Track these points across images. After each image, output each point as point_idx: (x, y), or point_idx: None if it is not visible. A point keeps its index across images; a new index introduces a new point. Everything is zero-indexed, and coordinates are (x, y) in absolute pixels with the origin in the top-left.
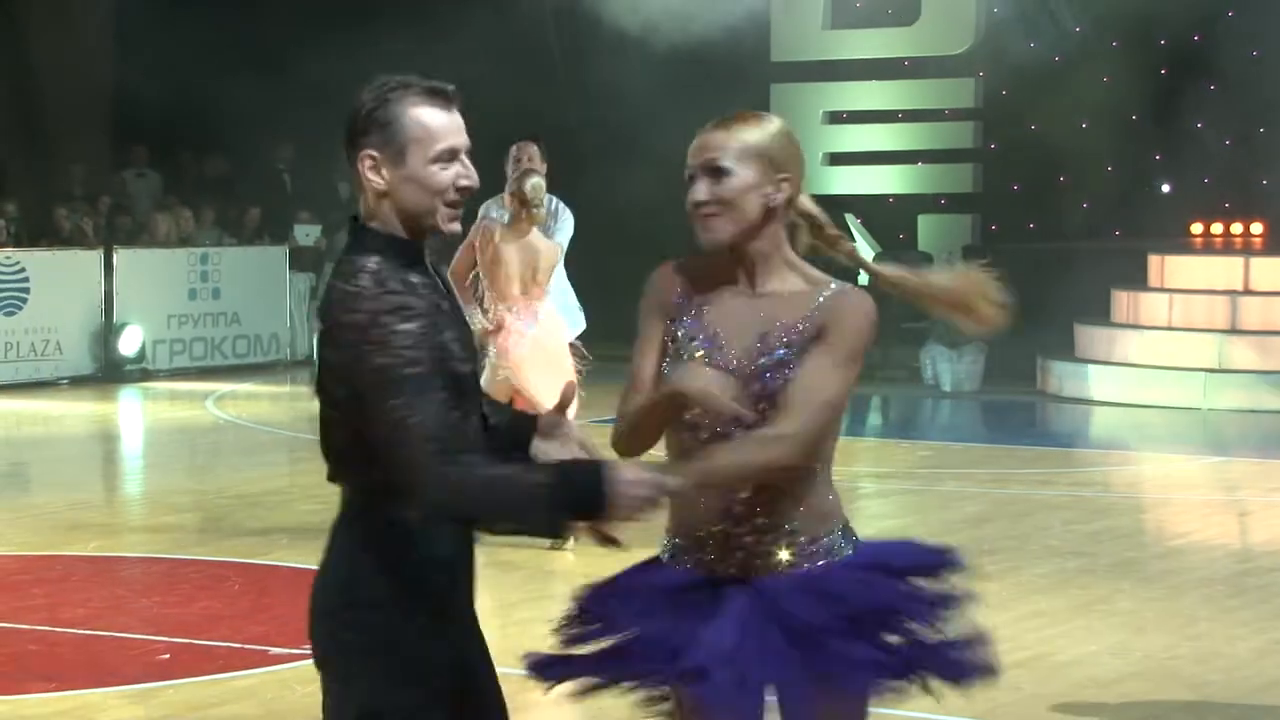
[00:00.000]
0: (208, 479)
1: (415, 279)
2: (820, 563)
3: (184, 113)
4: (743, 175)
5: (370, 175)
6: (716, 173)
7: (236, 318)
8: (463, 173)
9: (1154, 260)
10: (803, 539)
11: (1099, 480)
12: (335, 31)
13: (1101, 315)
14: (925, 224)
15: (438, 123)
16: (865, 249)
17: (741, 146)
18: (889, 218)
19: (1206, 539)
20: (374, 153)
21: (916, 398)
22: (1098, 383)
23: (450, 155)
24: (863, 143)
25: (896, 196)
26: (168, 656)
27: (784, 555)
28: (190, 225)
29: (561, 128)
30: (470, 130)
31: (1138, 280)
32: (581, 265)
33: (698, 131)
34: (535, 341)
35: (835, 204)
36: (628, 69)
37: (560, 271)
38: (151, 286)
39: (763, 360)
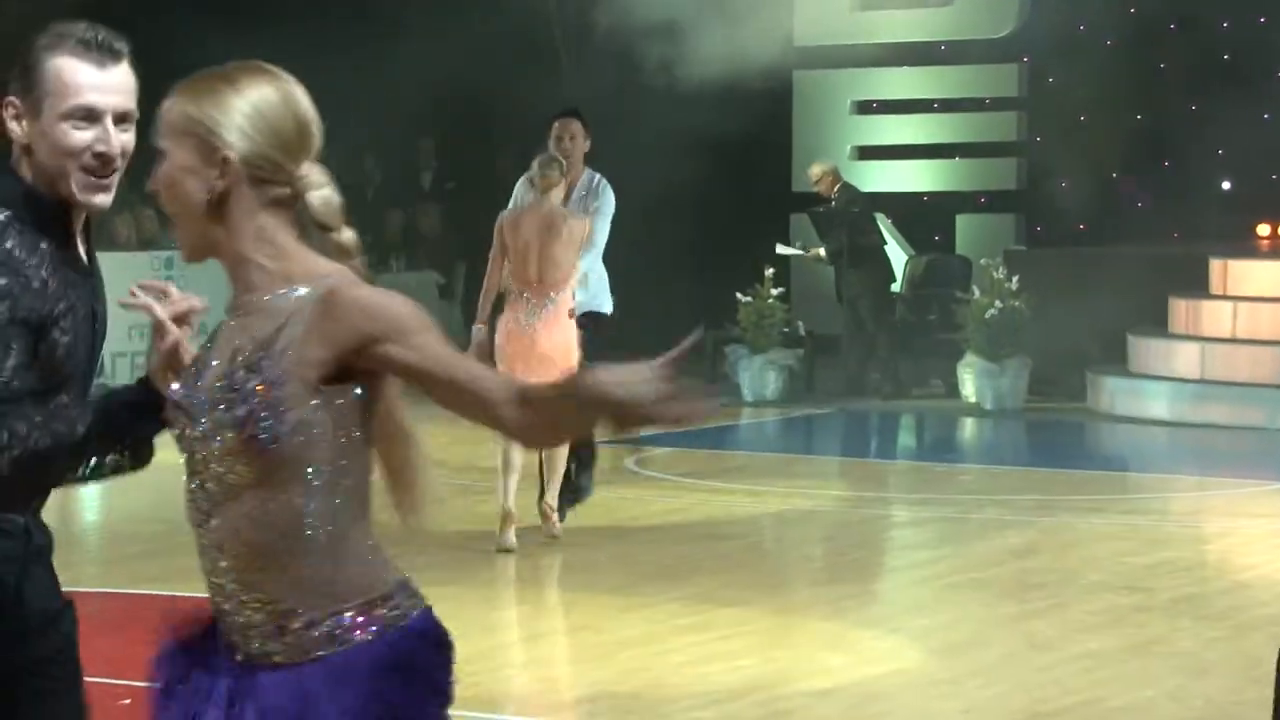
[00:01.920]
0: (173, 508)
1: (37, 244)
2: (318, 654)
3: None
4: (175, 156)
5: (11, 124)
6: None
7: (204, 327)
8: (101, 136)
9: (1216, 265)
10: (296, 625)
11: (1155, 508)
12: (302, 25)
13: (1158, 325)
14: (964, 225)
15: (80, 78)
16: (895, 252)
17: (176, 119)
18: (923, 218)
19: (1275, 573)
20: (15, 100)
21: (954, 416)
22: (1154, 400)
23: (87, 114)
24: (894, 135)
25: (931, 194)
26: (129, 702)
27: (264, 646)
28: (153, 226)
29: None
30: (461, 116)
31: (1198, 287)
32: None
33: None
34: (532, 338)
35: (865, 207)
36: (637, 58)
37: (595, 250)
38: (109, 294)
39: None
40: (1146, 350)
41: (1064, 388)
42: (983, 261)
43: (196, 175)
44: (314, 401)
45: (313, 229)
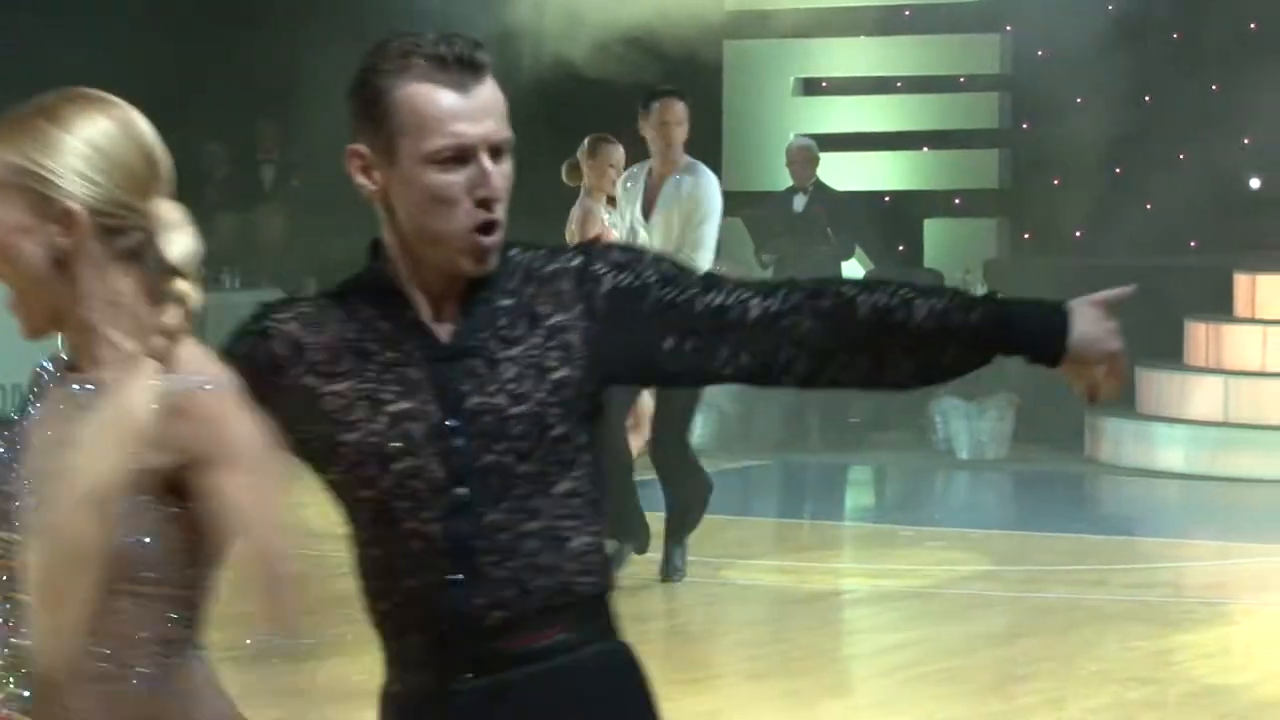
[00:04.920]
0: None
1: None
2: None
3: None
4: (2, 216)
5: (359, 178)
6: None
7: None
8: (476, 179)
9: (1241, 281)
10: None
11: (1169, 580)
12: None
13: (1172, 356)
14: (934, 231)
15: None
16: (850, 266)
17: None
18: (885, 223)
19: None
20: (361, 148)
21: (922, 467)
22: (1166, 447)
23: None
24: (849, 122)
25: (895, 194)
26: None
27: None
28: None
29: None
30: None
31: (1221, 308)
32: None
33: None
34: None
35: (815, 203)
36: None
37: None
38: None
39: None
40: (1158, 386)
41: (1058, 433)
42: (958, 276)
43: (31, 235)
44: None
45: (161, 280)
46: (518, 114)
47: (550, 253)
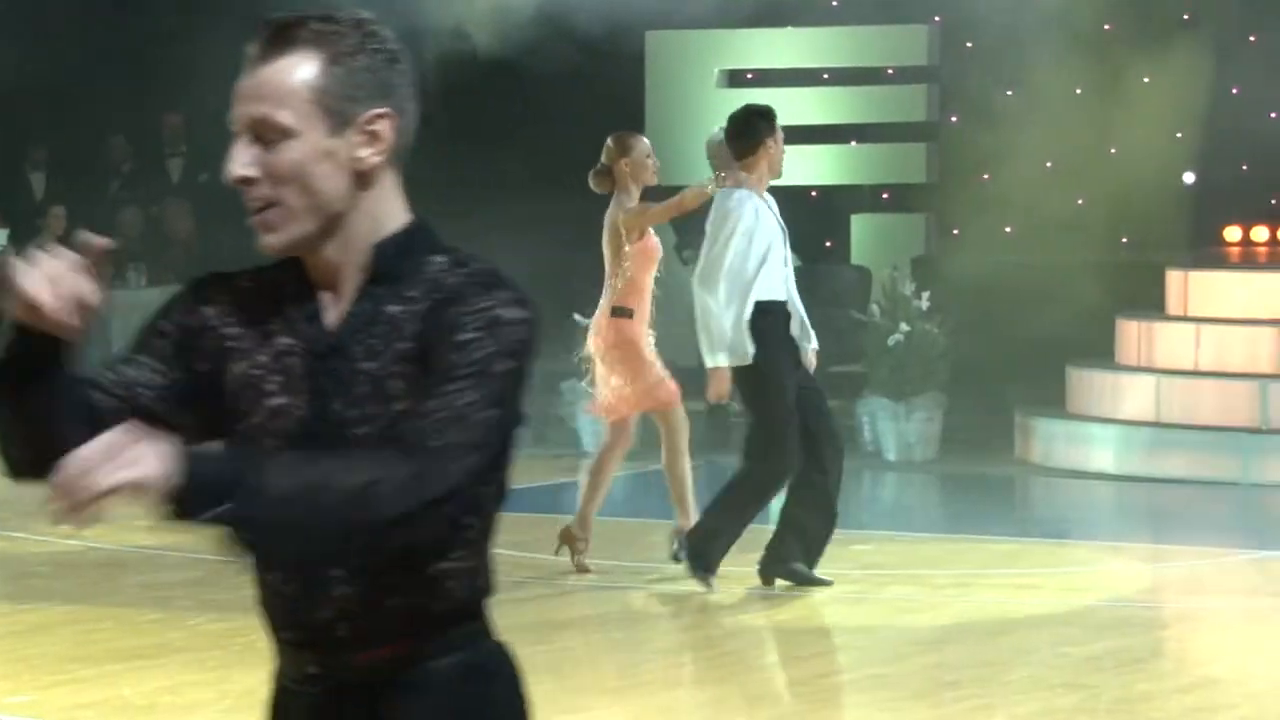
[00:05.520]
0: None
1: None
2: None
3: None
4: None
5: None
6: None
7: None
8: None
9: (1174, 277)
10: None
11: (1101, 584)
12: None
13: (1103, 355)
14: (861, 227)
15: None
16: None
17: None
18: (812, 218)
19: (1246, 665)
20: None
21: (850, 469)
22: (1098, 448)
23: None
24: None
25: (821, 189)
26: None
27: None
28: None
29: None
30: None
31: (1153, 306)
32: None
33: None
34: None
35: None
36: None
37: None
38: None
39: None
40: (1089, 386)
41: (987, 434)
42: (886, 272)
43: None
44: None
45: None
46: (431, 99)
47: (470, 278)
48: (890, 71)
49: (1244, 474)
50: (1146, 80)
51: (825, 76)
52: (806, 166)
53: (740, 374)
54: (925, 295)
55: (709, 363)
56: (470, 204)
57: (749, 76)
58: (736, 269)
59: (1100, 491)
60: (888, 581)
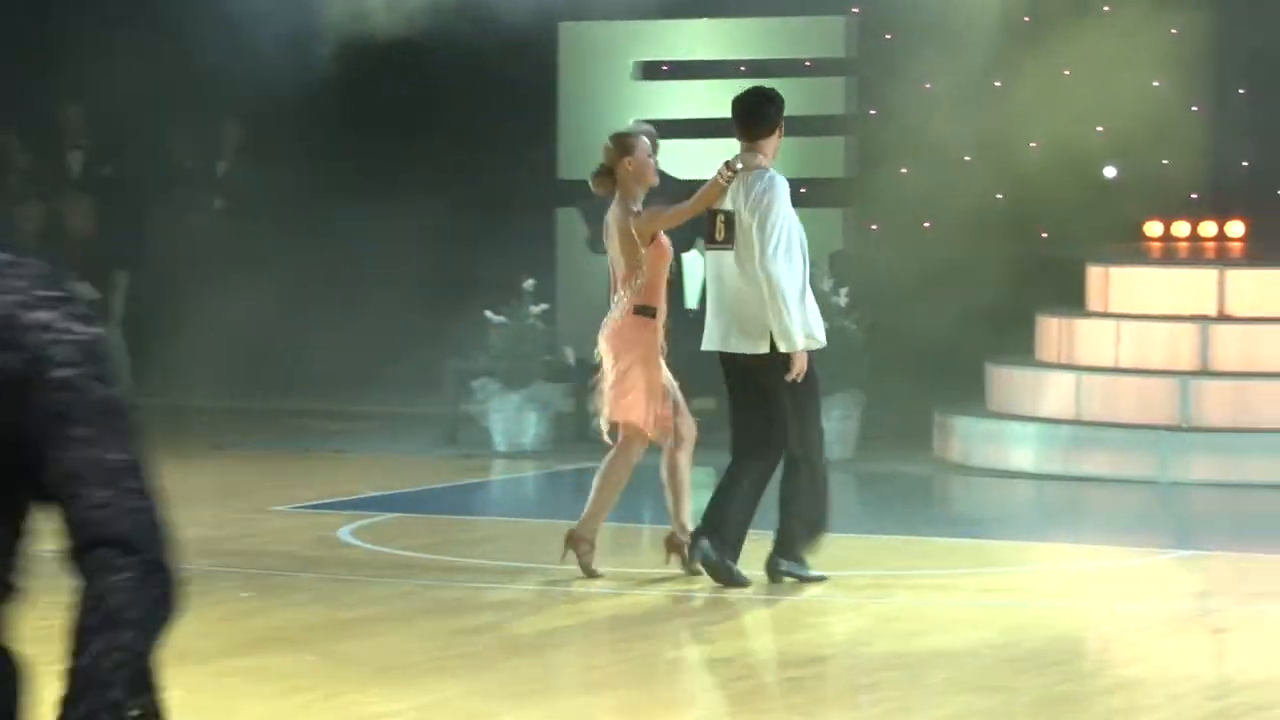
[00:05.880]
0: None
1: None
2: None
3: None
4: None
5: None
6: None
7: None
8: None
9: (1094, 273)
10: None
11: (1020, 585)
12: None
13: (1023, 352)
14: None
15: None
16: (690, 259)
17: None
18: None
19: (1168, 666)
20: None
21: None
22: (1018, 446)
23: None
24: (689, 107)
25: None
26: None
27: None
28: None
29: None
30: None
31: (1073, 302)
32: None
33: None
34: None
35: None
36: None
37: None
38: None
39: None
40: (1008, 384)
41: (905, 432)
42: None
43: None
44: None
45: None
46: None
47: (33, 284)
48: (808, 64)
49: (1164, 472)
50: (1067, 73)
51: (742, 69)
52: (722, 160)
53: (772, 361)
54: (843, 291)
55: (785, 346)
56: (373, 196)
57: (664, 69)
58: (790, 249)
59: (1020, 490)
60: (801, 583)
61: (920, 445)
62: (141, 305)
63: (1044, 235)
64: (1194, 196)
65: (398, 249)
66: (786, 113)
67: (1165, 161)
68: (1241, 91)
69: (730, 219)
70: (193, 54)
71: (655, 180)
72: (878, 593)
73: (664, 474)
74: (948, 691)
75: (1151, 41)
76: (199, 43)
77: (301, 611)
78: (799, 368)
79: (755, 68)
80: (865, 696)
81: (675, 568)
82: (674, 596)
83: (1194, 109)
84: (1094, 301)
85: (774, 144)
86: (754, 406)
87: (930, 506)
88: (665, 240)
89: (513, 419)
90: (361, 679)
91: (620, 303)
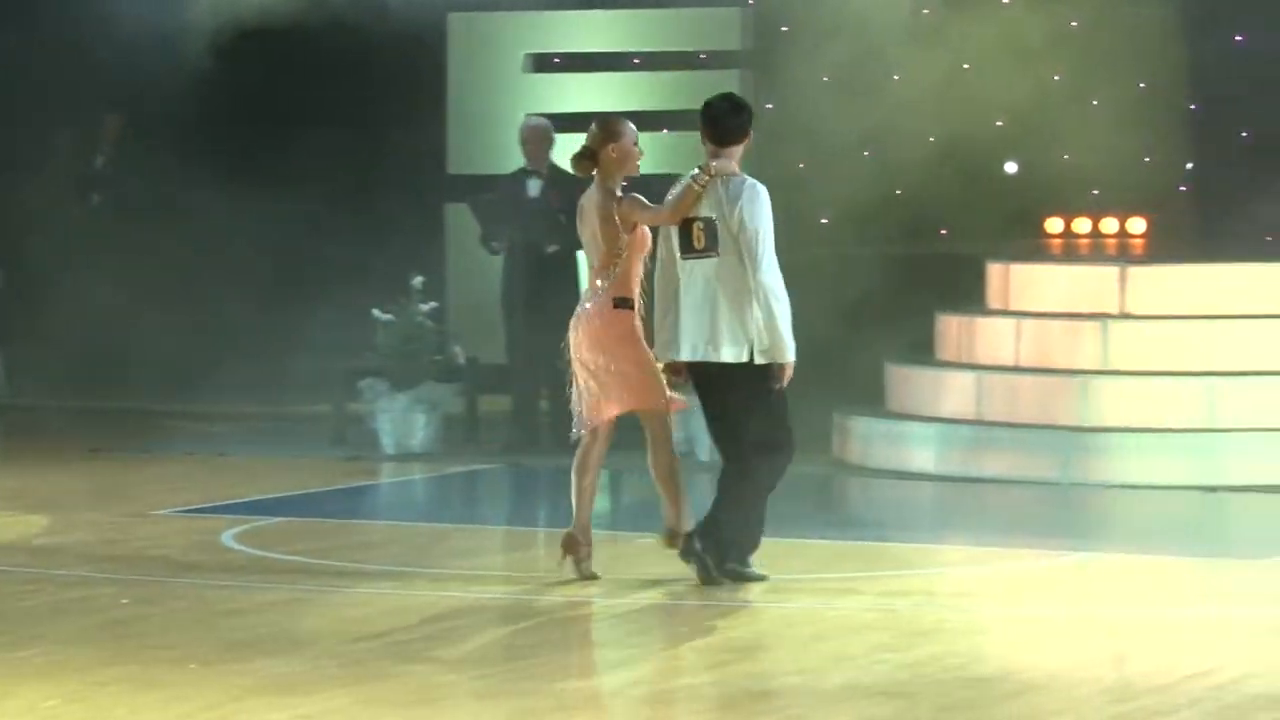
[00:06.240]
0: None
1: None
2: None
3: None
4: None
5: None
6: None
7: None
8: None
9: (994, 271)
10: None
11: (920, 588)
12: None
13: (922, 350)
14: None
15: None
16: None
17: None
18: None
19: (1071, 670)
20: None
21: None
22: (917, 447)
23: None
24: (581, 100)
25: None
26: None
27: None
28: None
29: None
30: None
31: (972, 299)
32: None
33: None
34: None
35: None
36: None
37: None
38: None
39: None
40: (909, 384)
41: (804, 433)
42: None
43: None
44: None
45: None
46: (219, 77)
47: None
48: (702, 56)
49: (1065, 473)
50: (966, 67)
51: (635, 61)
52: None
53: (753, 367)
54: None
55: (783, 357)
56: (255, 190)
57: (556, 61)
58: (774, 256)
59: (920, 492)
60: (700, 586)
61: (818, 446)
62: (16, 302)
63: (943, 232)
64: (1095, 193)
65: (280, 244)
66: (679, 107)
67: (1066, 157)
68: (1142, 85)
69: (711, 226)
70: (71, 47)
71: (636, 171)
72: (775, 596)
73: (574, 469)
74: (845, 698)
75: (1051, 35)
76: (77, 36)
77: (182, 618)
78: (789, 376)
79: (649, 60)
80: (761, 704)
81: (569, 571)
82: (566, 601)
83: (1094, 103)
84: (994, 299)
85: (742, 151)
86: (743, 411)
87: (829, 509)
88: (645, 231)
89: (401, 420)
90: (244, 688)
91: (597, 296)
